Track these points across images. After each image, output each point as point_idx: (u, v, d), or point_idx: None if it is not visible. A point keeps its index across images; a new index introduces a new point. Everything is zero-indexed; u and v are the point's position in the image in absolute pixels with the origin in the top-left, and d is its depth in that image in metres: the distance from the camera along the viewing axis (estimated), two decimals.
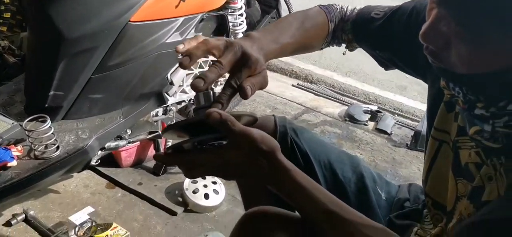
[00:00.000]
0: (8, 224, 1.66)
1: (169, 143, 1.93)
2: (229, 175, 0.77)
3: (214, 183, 1.92)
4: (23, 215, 1.68)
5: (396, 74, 3.92)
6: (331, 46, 1.14)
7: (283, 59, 3.78)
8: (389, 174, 2.32)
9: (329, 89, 3.34)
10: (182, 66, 0.78)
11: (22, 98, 1.67)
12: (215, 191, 1.89)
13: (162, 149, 2.01)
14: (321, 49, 1.13)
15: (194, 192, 1.86)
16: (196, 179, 1.89)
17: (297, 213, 0.83)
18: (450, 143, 0.84)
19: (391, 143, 2.61)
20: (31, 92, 1.62)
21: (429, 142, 0.91)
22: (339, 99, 3.14)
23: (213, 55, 0.81)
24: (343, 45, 1.13)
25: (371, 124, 2.82)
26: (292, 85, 3.33)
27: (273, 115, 1.14)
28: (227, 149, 0.72)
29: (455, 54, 0.64)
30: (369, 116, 2.88)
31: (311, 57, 4.01)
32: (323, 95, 3.20)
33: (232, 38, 0.88)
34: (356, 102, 3.14)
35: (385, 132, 2.71)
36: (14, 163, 1.40)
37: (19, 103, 1.67)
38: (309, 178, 0.77)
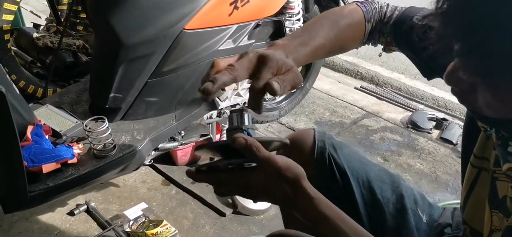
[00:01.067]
0: (71, 213, 1.82)
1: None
2: (255, 197, 0.78)
3: None
4: (85, 206, 1.83)
5: None
6: (366, 45, 1.08)
7: (349, 59, 3.70)
8: (450, 187, 2.20)
9: (395, 92, 3.22)
10: (204, 100, 0.79)
11: (88, 98, 1.80)
12: None
13: None
14: (357, 48, 1.08)
15: None
16: None
17: None
18: (489, 171, 0.79)
19: (456, 154, 2.46)
20: (95, 93, 1.75)
21: (468, 168, 0.86)
22: (404, 104, 3.02)
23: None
24: (379, 46, 1.07)
25: (436, 133, 2.67)
26: (355, 88, 3.25)
27: (313, 129, 1.13)
28: (253, 173, 0.73)
29: (481, 98, 0.61)
30: (434, 123, 2.74)
31: (379, 58, 3.88)
32: (387, 99, 3.09)
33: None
34: (422, 107, 2.99)
35: (450, 142, 2.56)
36: (74, 160, 1.52)
37: (84, 102, 1.80)
38: (334, 207, 0.76)
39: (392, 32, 1.01)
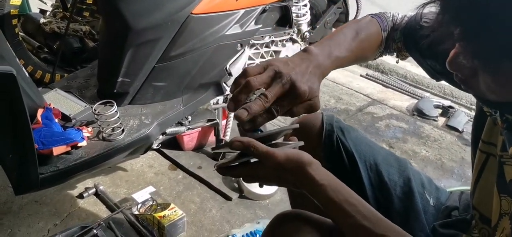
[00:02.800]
0: (80, 196, 1.84)
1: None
2: (267, 184, 0.84)
3: None
4: (94, 189, 1.85)
5: None
6: (384, 56, 1.12)
7: None
8: (456, 174, 2.21)
9: (400, 80, 3.22)
10: (229, 111, 0.82)
11: (96, 82, 1.82)
12: None
13: (221, 135, 2.08)
14: (375, 58, 1.13)
15: None
16: None
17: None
18: (496, 156, 0.80)
19: (462, 141, 2.47)
20: (103, 78, 1.76)
21: (477, 154, 0.87)
22: (409, 92, 3.02)
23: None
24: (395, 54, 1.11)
25: (442, 120, 2.68)
26: (360, 75, 3.25)
27: (321, 113, 1.14)
28: (258, 167, 0.79)
29: (482, 82, 0.63)
30: (440, 111, 2.74)
31: None
32: (393, 86, 3.09)
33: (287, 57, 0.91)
34: (428, 95, 2.99)
35: (456, 130, 2.57)
36: (84, 143, 1.54)
37: (93, 87, 1.82)
38: (342, 190, 0.78)
39: (402, 38, 1.05)
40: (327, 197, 0.76)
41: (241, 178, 0.89)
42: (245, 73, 0.82)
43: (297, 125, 0.88)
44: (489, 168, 0.84)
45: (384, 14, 1.07)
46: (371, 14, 1.07)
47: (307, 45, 1.04)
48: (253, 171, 0.80)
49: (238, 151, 0.82)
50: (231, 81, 1.91)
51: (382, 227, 0.74)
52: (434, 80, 2.98)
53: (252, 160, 0.80)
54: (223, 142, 2.06)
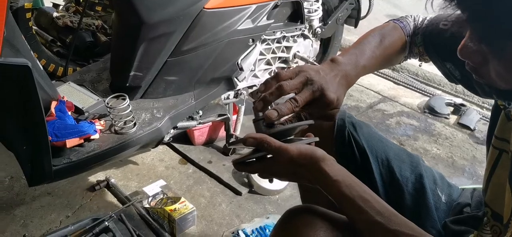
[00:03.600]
0: (92, 189, 1.86)
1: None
2: (283, 179, 0.85)
3: None
4: (105, 182, 1.87)
5: None
6: (408, 60, 1.14)
7: None
8: (467, 172, 2.19)
9: (412, 77, 3.19)
10: (256, 110, 0.84)
11: (108, 76, 1.83)
12: None
13: (232, 130, 2.09)
14: (400, 63, 1.14)
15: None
16: None
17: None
18: (509, 152, 0.80)
19: (473, 139, 2.45)
20: (115, 71, 1.77)
21: (490, 150, 0.87)
22: (421, 89, 3.00)
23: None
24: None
25: (453, 118, 2.66)
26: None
27: None
28: (273, 162, 0.80)
29: (493, 70, 0.64)
30: (451, 109, 2.72)
31: None
32: (404, 84, 3.07)
33: (316, 64, 0.93)
34: (440, 93, 2.97)
35: (468, 128, 2.55)
36: (96, 136, 1.55)
37: (105, 80, 1.83)
38: (356, 186, 0.78)
39: (422, 41, 1.05)
40: (341, 193, 0.77)
41: (255, 174, 0.91)
42: (277, 76, 0.85)
43: (312, 121, 0.88)
44: (502, 165, 0.83)
45: (406, 18, 1.08)
46: (393, 19, 1.09)
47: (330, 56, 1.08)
48: (268, 167, 0.81)
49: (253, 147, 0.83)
50: (242, 75, 1.91)
51: (396, 222, 0.74)
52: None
53: (269, 156, 0.81)
54: (235, 138, 2.06)
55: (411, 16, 1.09)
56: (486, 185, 0.89)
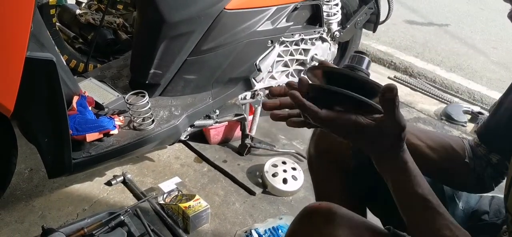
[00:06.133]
0: (108, 183, 1.89)
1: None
2: (354, 141, 0.75)
3: (294, 169, 1.98)
4: (122, 177, 1.90)
5: (509, 73, 3.57)
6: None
7: (383, 48, 3.67)
8: None
9: (429, 84, 3.17)
10: (265, 108, 0.82)
11: (128, 73, 1.86)
12: (294, 177, 1.94)
13: (247, 130, 2.10)
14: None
15: (274, 175, 1.93)
16: (276, 164, 1.96)
17: (363, 218, 0.85)
18: None
19: None
20: (135, 69, 1.80)
21: None
22: (438, 96, 2.98)
23: None
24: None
25: (470, 126, 2.63)
26: (388, 77, 3.22)
27: None
28: (379, 123, 0.70)
29: None
30: (469, 117, 2.69)
31: (414, 48, 3.83)
32: (421, 90, 3.05)
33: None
34: (457, 100, 2.95)
35: None
36: (115, 131, 1.58)
37: (125, 77, 1.86)
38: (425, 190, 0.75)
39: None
40: (407, 169, 0.73)
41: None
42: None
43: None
44: None
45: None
46: None
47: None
48: (365, 123, 0.70)
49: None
50: (260, 76, 1.93)
51: (444, 209, 0.74)
52: (464, 85, 2.92)
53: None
54: (250, 139, 2.02)
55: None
56: (508, 190, 0.88)
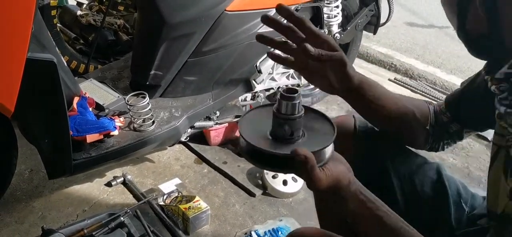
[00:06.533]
0: (109, 184, 1.89)
1: None
2: None
3: None
4: (122, 178, 1.90)
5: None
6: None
7: (384, 50, 3.67)
8: (483, 183, 2.17)
9: (430, 86, 3.17)
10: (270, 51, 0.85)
11: (129, 74, 1.87)
12: (294, 179, 1.94)
13: None
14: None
15: (274, 177, 1.93)
16: None
17: None
18: (505, 147, 0.78)
19: (490, 150, 2.42)
20: (136, 70, 1.80)
21: (491, 147, 0.85)
22: (438, 98, 2.97)
23: None
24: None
25: None
26: (389, 79, 3.22)
27: (353, 116, 1.12)
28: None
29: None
30: None
31: (414, 50, 3.83)
32: (421, 92, 3.05)
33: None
34: None
35: (485, 138, 2.52)
36: (116, 132, 1.58)
37: (126, 78, 1.87)
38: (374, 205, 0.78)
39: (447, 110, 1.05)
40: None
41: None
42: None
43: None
44: (499, 159, 0.78)
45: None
46: None
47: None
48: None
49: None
50: (260, 78, 1.93)
51: None
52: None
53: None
54: None
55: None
56: (488, 186, 0.86)
